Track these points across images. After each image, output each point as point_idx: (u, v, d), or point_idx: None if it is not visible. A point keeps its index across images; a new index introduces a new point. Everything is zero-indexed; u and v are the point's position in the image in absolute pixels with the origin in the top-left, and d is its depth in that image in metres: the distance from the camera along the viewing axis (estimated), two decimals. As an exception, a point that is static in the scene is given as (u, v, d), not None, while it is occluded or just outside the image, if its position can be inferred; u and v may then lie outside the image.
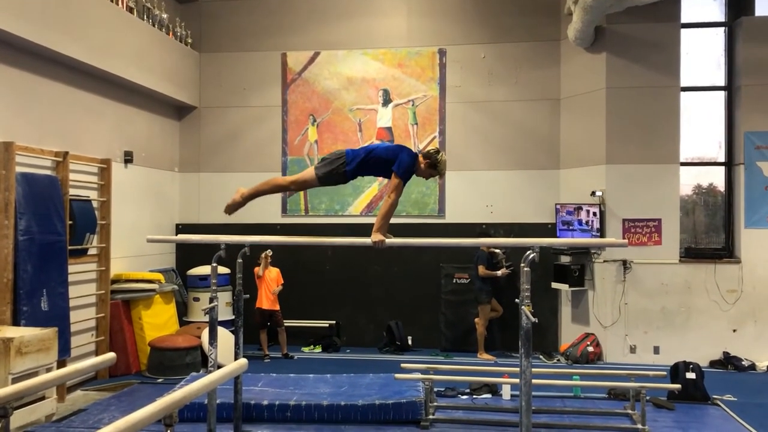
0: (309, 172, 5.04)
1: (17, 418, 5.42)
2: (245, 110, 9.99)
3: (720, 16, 9.09)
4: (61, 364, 6.13)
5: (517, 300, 4.46)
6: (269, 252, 8.69)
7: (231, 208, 5.16)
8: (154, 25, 8.75)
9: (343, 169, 4.94)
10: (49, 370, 5.64)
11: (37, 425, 5.69)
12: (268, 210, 9.81)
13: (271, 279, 8.73)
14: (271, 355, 8.79)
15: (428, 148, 5.00)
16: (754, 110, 8.62)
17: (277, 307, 8.75)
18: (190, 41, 9.77)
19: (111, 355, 3.97)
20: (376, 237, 4.82)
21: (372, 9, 9.80)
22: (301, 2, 9.89)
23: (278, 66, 9.92)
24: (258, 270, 8.65)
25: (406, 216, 9.39)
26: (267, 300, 8.67)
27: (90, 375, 7.37)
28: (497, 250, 8.85)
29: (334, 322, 9.50)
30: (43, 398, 5.81)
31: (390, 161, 4.92)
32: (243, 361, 4.16)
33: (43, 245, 6.40)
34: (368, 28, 9.80)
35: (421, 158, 4.98)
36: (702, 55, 9.09)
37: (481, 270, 8.74)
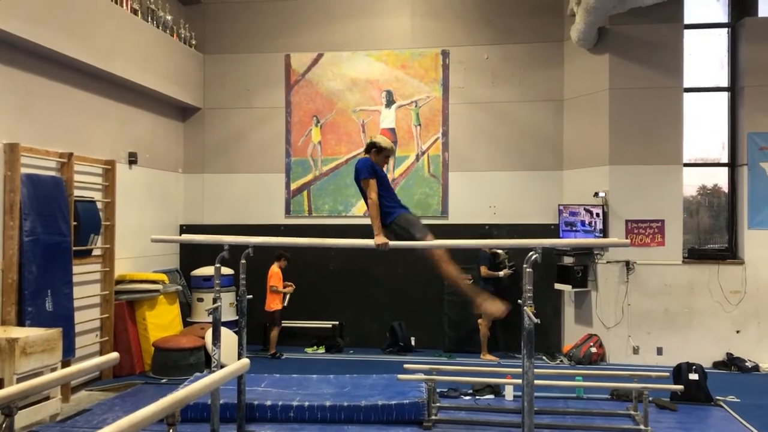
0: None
1: (22, 418, 5.46)
2: (249, 111, 10.02)
3: (723, 17, 9.08)
4: (65, 364, 6.17)
5: (519, 301, 4.47)
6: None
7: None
8: (158, 27, 8.79)
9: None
10: (53, 370, 5.66)
11: (41, 425, 5.72)
12: (271, 211, 9.86)
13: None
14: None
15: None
16: (758, 111, 8.61)
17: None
18: (194, 43, 9.80)
19: (114, 354, 3.99)
20: (379, 240, 4.88)
21: (375, 10, 9.82)
22: (305, 4, 9.92)
23: (282, 67, 9.95)
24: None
25: (410, 217, 9.38)
26: (281, 300, 8.98)
27: (94, 375, 7.40)
28: (499, 251, 8.86)
29: (337, 322, 9.52)
30: (47, 398, 5.84)
31: (358, 179, 5.26)
32: (245, 361, 4.18)
33: (47, 246, 6.44)
34: (372, 30, 9.82)
35: (371, 155, 5.28)
36: (705, 56, 9.09)
37: (483, 271, 8.74)
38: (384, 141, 5.35)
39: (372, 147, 5.30)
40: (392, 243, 4.92)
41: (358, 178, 5.29)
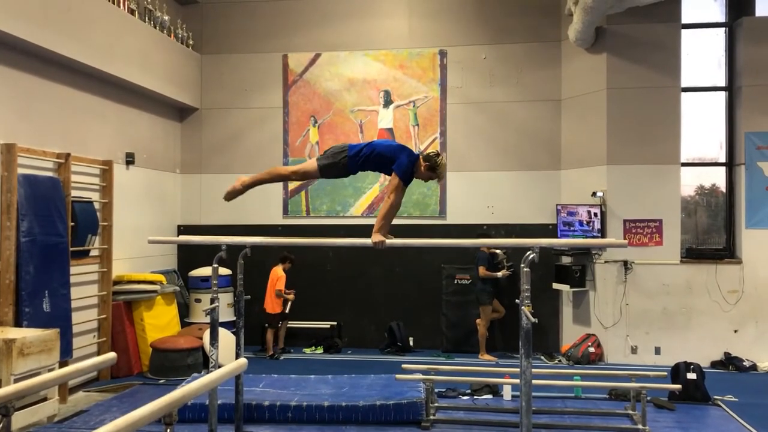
0: (311, 163, 5.08)
1: (19, 419, 5.46)
2: (246, 112, 10.01)
3: (720, 16, 9.09)
4: (63, 365, 6.13)
5: (517, 300, 4.47)
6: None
7: (230, 195, 5.24)
8: (155, 27, 8.78)
9: (345, 161, 4.97)
10: (51, 371, 5.64)
11: (39, 426, 5.71)
12: (269, 211, 9.85)
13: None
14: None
15: (428, 151, 5.01)
16: (755, 110, 8.62)
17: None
18: (191, 43, 9.79)
19: (111, 354, 3.98)
20: (376, 238, 4.84)
21: (373, 10, 9.81)
22: (302, 4, 9.91)
23: (279, 67, 9.95)
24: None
25: (408, 217, 9.40)
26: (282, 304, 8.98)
27: (92, 376, 7.40)
28: (498, 251, 8.87)
29: (335, 323, 9.51)
30: (45, 399, 5.83)
31: (390, 160, 4.94)
32: (242, 360, 4.17)
33: (45, 247, 6.42)
34: (369, 30, 9.82)
35: (421, 160, 4.97)
36: (702, 56, 9.09)
37: (482, 271, 8.74)
38: (444, 170, 5.02)
39: (430, 161, 4.91)
40: (389, 241, 4.90)
41: (391, 161, 4.94)
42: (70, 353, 6.63)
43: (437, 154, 4.97)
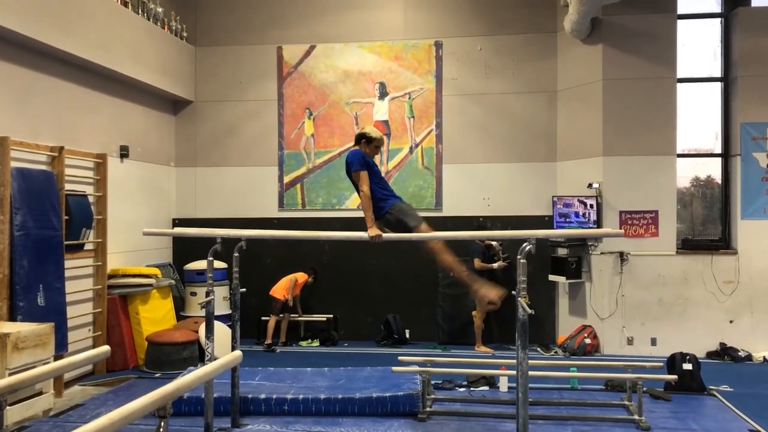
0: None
1: (14, 413, 5.45)
2: (241, 104, 9.97)
3: (716, 6, 9.08)
4: (58, 359, 6.12)
5: (514, 292, 4.47)
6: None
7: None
8: (149, 19, 8.72)
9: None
10: (46, 365, 5.62)
11: (34, 420, 5.69)
12: (265, 204, 9.83)
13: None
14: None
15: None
16: (751, 101, 8.62)
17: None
18: (185, 35, 9.73)
19: (105, 348, 3.96)
20: (372, 232, 4.87)
21: (368, 2, 9.77)
22: (297, -5, 9.86)
23: (274, 59, 9.90)
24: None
25: (403, 209, 9.36)
26: (287, 290, 8.98)
27: (87, 370, 7.38)
28: (493, 243, 8.86)
29: (331, 315, 9.50)
30: (40, 393, 5.82)
31: (349, 172, 5.28)
32: (237, 353, 4.16)
33: (39, 240, 6.39)
34: (364, 21, 9.77)
35: (361, 146, 5.27)
36: (698, 46, 9.08)
37: (477, 263, 8.74)
38: (373, 131, 5.35)
39: (362, 138, 5.30)
40: (385, 235, 4.90)
41: (349, 170, 5.28)
42: (65, 347, 6.61)
43: (362, 128, 5.49)
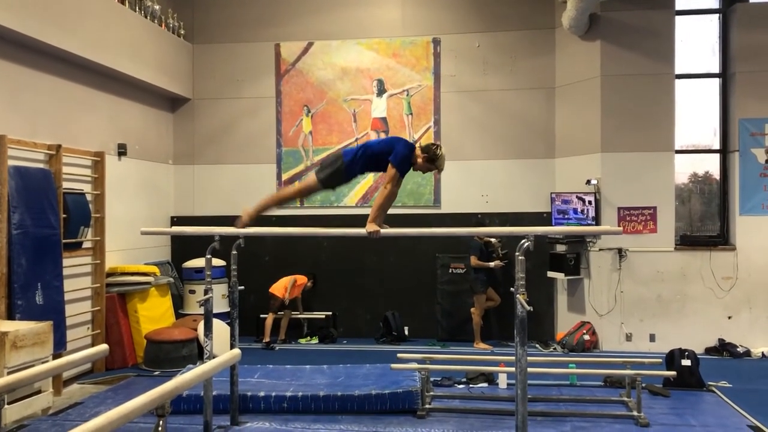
0: (311, 178, 5.14)
1: (13, 412, 5.44)
2: (239, 102, 9.95)
3: (714, 2, 9.07)
4: (57, 357, 6.12)
5: (512, 289, 4.46)
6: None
7: (242, 225, 5.12)
8: (146, 17, 8.69)
9: (342, 167, 4.96)
10: (44, 363, 5.61)
11: (33, 419, 5.68)
12: (263, 202, 9.80)
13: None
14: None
15: (425, 142, 5.02)
16: (749, 97, 8.61)
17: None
18: (182, 32, 9.71)
19: (104, 346, 3.95)
20: (371, 227, 4.83)
21: (366, -2, 9.76)
22: (294, -8, 9.84)
23: (272, 57, 9.88)
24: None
25: (402, 206, 9.37)
26: (286, 289, 8.98)
27: (86, 368, 7.37)
28: (492, 239, 8.86)
29: (330, 313, 9.50)
30: (39, 392, 5.81)
31: (386, 153, 4.92)
32: (236, 351, 4.16)
33: (37, 239, 6.38)
34: (362, 18, 9.75)
35: (418, 151, 4.93)
36: (696, 42, 9.07)
37: (473, 261, 8.74)
38: (443, 162, 4.96)
39: (429, 151, 4.88)
40: (383, 231, 4.88)
41: (383, 152, 4.92)
42: (63, 346, 6.61)
43: (436, 146, 4.93)
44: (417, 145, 5.03)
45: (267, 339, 8.86)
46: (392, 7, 9.69)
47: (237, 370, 5.46)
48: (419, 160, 4.93)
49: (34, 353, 5.61)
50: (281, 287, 8.90)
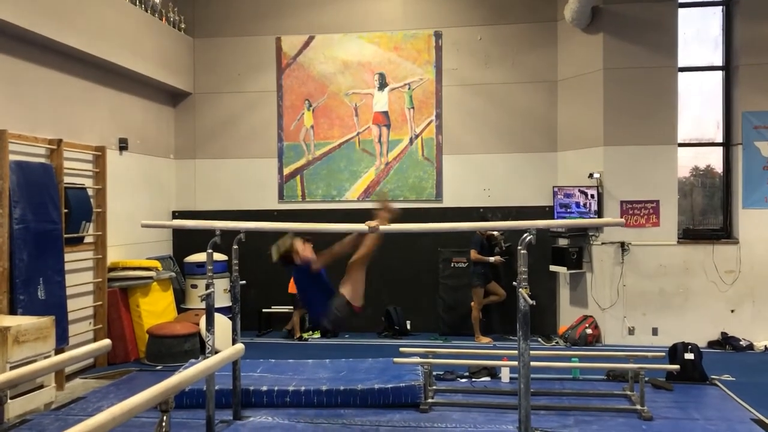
0: None
1: (16, 407, 5.45)
2: (240, 96, 9.92)
3: (718, -6, 9.01)
4: (59, 352, 6.11)
5: (514, 283, 4.45)
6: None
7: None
8: (146, 11, 8.66)
9: None
10: (47, 358, 5.62)
11: (36, 413, 5.69)
12: (264, 196, 9.81)
13: None
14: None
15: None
16: (753, 90, 8.57)
17: None
18: (183, 26, 9.67)
19: (106, 341, 3.94)
20: (372, 222, 4.83)
21: (367, -8, 9.71)
22: (295, -14, 9.80)
23: (273, 50, 9.84)
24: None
25: (404, 201, 9.36)
26: None
27: (89, 363, 7.37)
28: (495, 233, 8.84)
29: (332, 307, 9.46)
30: (41, 387, 5.82)
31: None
32: (239, 346, 4.15)
33: (38, 234, 6.37)
34: (363, 11, 9.71)
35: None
36: (699, 35, 9.02)
37: (473, 254, 8.72)
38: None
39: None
40: (383, 227, 4.88)
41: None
42: (66, 340, 6.61)
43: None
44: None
45: (298, 334, 8.89)
46: (393, 0, 9.64)
47: (239, 365, 5.45)
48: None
49: (37, 348, 5.61)
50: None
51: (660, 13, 8.57)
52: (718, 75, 8.99)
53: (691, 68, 8.97)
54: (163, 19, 9.17)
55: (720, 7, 8.96)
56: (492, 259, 8.75)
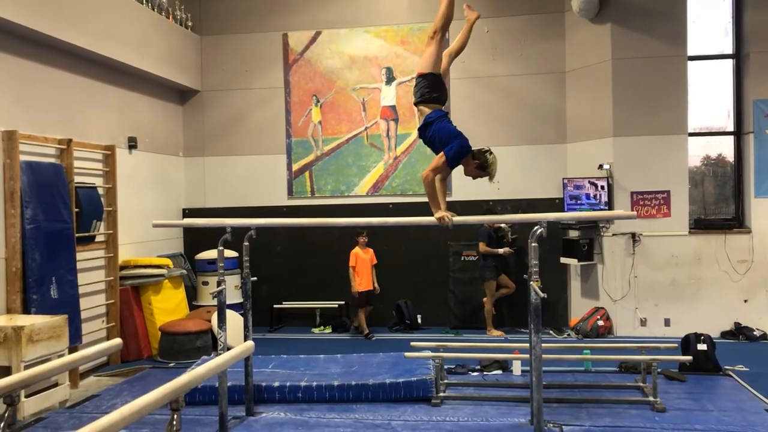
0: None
1: (31, 405, 5.51)
2: (248, 93, 9.93)
3: (727, -18, 8.92)
4: (72, 350, 6.18)
5: (525, 276, 4.44)
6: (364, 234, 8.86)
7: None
8: (153, 9, 8.67)
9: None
10: (60, 357, 5.67)
11: (51, 411, 5.74)
12: (274, 192, 9.83)
13: (369, 259, 8.88)
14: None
15: (479, 147, 4.87)
16: (763, 78, 8.48)
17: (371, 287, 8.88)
18: (190, 24, 9.69)
19: (117, 340, 3.97)
20: (439, 214, 4.79)
21: (372, -14, 9.68)
22: (301, -19, 9.78)
23: (279, 47, 9.84)
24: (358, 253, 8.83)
25: (413, 195, 9.35)
26: (367, 280, 8.79)
27: (102, 361, 7.43)
28: (503, 225, 8.81)
29: (343, 302, 9.49)
30: (56, 385, 5.87)
31: (444, 143, 4.78)
32: (250, 343, 4.17)
33: (50, 233, 6.41)
34: (369, 5, 9.69)
35: (470, 157, 4.80)
36: (709, 23, 8.94)
37: (482, 247, 8.70)
38: (494, 169, 4.85)
39: (480, 159, 4.79)
40: (457, 218, 4.79)
41: (440, 143, 4.77)
42: (79, 339, 6.66)
43: (488, 151, 4.79)
44: (472, 149, 4.85)
45: (366, 332, 8.80)
46: (399, -7, 9.62)
47: (251, 361, 5.48)
48: (470, 164, 4.80)
49: (50, 347, 5.66)
50: (355, 282, 8.77)
51: (668, 2, 8.50)
52: (729, 63, 8.90)
53: (701, 57, 8.89)
54: (170, 17, 9.18)
55: (729, -5, 8.87)
56: (501, 251, 8.72)
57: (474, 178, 4.97)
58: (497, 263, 8.79)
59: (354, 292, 8.80)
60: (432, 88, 4.88)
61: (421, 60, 5.05)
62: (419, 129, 4.96)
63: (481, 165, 4.79)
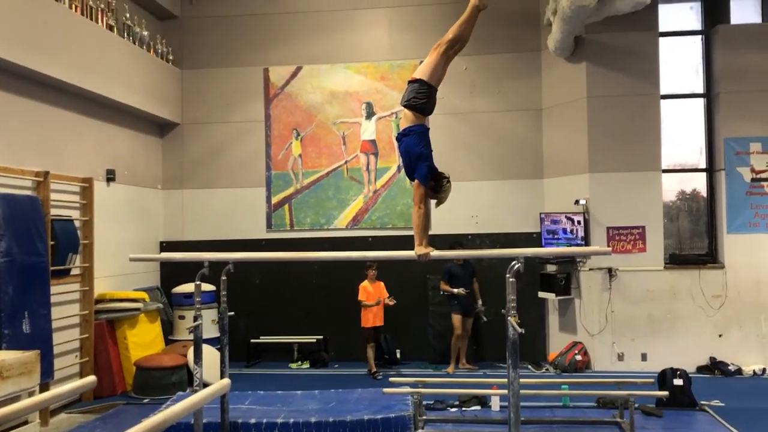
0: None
1: (-1, 444, 5.34)
2: (228, 126, 9.96)
3: (697, 24, 9.20)
4: (44, 387, 6.05)
5: (503, 311, 4.45)
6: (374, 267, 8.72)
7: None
8: (134, 43, 8.72)
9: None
10: (31, 393, 5.53)
11: (20, 450, 5.59)
12: (253, 225, 9.79)
13: (379, 292, 8.71)
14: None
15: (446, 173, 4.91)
16: (733, 116, 8.71)
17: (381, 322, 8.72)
18: (171, 58, 9.74)
19: (91, 378, 3.88)
20: (419, 251, 4.74)
21: (353, 23, 9.83)
22: (283, 17, 9.90)
23: (260, 81, 9.91)
24: (366, 287, 8.68)
25: (392, 228, 9.39)
26: (377, 317, 8.63)
27: (74, 397, 7.26)
28: (478, 302, 8.80)
29: (321, 336, 9.43)
30: (26, 422, 5.72)
31: (413, 164, 4.83)
32: (226, 381, 4.12)
33: (24, 267, 6.32)
34: (350, 42, 9.83)
35: (433, 180, 4.83)
36: (681, 63, 9.19)
37: (442, 285, 8.75)
38: (446, 195, 4.90)
39: (438, 181, 4.80)
40: (434, 253, 4.80)
41: (409, 160, 4.82)
42: (51, 375, 6.51)
43: (447, 179, 4.82)
44: (434, 169, 4.89)
45: (374, 370, 8.63)
46: (379, 31, 9.78)
47: (227, 398, 5.39)
48: (430, 185, 4.83)
49: (21, 383, 5.51)
50: (365, 317, 8.63)
51: (641, 42, 8.74)
52: (700, 102, 9.13)
53: (673, 96, 9.12)
54: (151, 51, 9.22)
55: (699, 36, 9.13)
56: (455, 290, 8.69)
57: (426, 196, 4.96)
58: (461, 299, 8.75)
59: (367, 327, 8.64)
60: (421, 97, 4.98)
61: (421, 66, 5.18)
62: (398, 134, 5.05)
63: (435, 187, 4.84)
